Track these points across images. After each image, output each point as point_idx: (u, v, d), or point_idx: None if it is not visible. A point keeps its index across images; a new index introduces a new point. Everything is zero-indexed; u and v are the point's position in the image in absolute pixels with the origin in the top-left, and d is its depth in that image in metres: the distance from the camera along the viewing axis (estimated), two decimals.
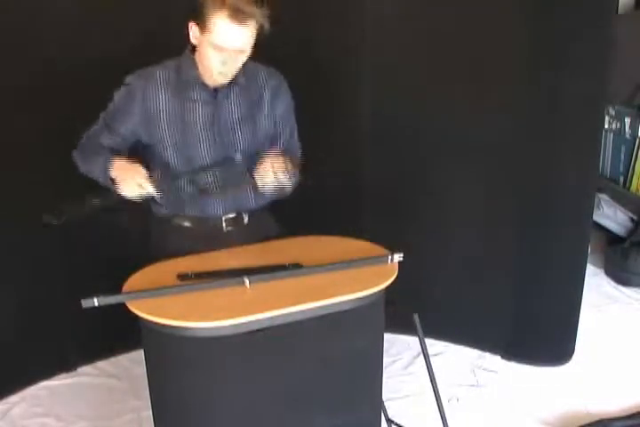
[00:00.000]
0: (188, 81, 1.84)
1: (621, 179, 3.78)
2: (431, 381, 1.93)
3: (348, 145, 2.69)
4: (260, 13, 1.70)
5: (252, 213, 1.99)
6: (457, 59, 2.48)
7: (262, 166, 1.80)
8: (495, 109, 2.50)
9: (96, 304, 1.60)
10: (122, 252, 2.29)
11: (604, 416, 2.39)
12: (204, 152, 1.88)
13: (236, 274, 1.71)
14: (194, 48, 1.82)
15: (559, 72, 2.38)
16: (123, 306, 1.61)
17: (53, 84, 2.34)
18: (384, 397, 2.01)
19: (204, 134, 1.87)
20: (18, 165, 2.37)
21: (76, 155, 1.94)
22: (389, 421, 2.23)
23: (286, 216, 2.05)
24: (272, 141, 1.97)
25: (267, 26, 1.72)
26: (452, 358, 2.81)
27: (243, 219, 1.98)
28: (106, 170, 1.81)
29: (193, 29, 1.76)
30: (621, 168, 3.78)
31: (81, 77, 2.34)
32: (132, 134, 1.89)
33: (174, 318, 1.54)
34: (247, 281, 1.68)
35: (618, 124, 3.73)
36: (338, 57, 2.58)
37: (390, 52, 2.54)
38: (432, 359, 1.93)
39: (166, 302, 1.61)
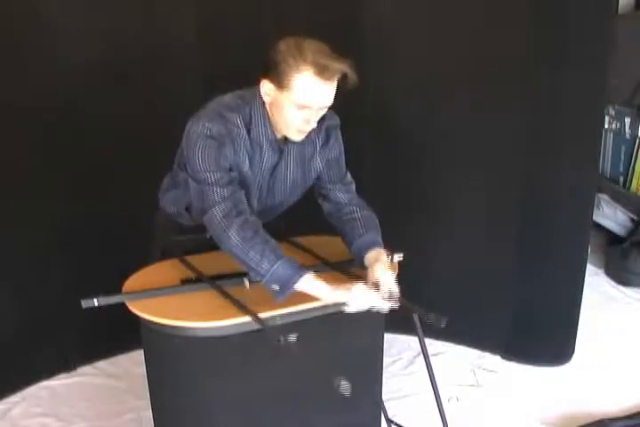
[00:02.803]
0: (260, 139, 1.70)
1: (621, 179, 3.78)
2: (431, 381, 1.92)
3: (348, 146, 2.69)
4: (345, 66, 1.57)
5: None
6: (457, 59, 2.48)
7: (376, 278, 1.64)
8: (495, 109, 2.50)
9: (96, 304, 1.60)
10: (122, 252, 2.30)
11: (604, 416, 2.39)
12: (256, 198, 1.78)
13: (236, 274, 1.71)
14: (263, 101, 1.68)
15: (559, 72, 2.38)
16: (123, 306, 1.61)
17: (54, 84, 2.35)
18: (384, 397, 2.01)
19: (264, 183, 1.78)
20: (18, 165, 2.37)
21: (233, 232, 1.59)
22: (389, 421, 2.23)
23: (286, 216, 2.05)
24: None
25: (352, 76, 1.58)
26: (452, 358, 2.81)
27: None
28: (289, 281, 1.57)
29: (266, 86, 1.62)
30: (621, 168, 3.78)
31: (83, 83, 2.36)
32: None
33: (174, 318, 1.54)
34: (247, 282, 1.68)
35: (618, 124, 3.73)
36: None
37: (390, 53, 2.54)
38: (432, 359, 1.92)
39: (166, 302, 1.62)
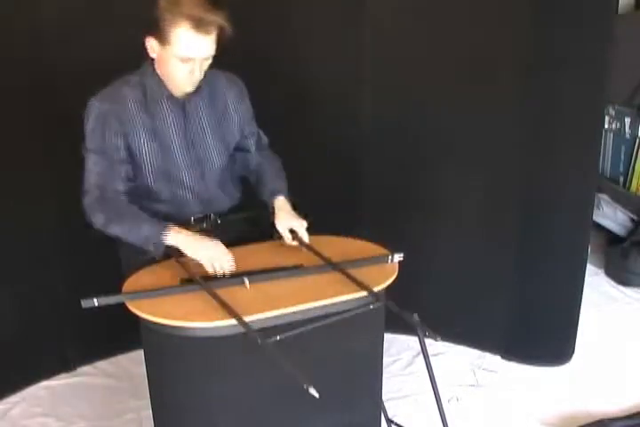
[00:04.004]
0: (158, 96, 1.80)
1: (621, 179, 3.78)
2: (431, 381, 1.92)
3: (348, 146, 2.70)
4: (220, 18, 1.65)
5: (223, 215, 1.99)
6: (457, 58, 2.48)
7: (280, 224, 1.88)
8: (495, 109, 2.50)
9: (96, 304, 1.60)
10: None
11: (604, 416, 2.39)
12: (181, 166, 1.86)
13: (236, 274, 1.71)
14: (152, 61, 1.78)
15: (559, 72, 2.38)
16: (123, 306, 1.61)
17: (53, 85, 2.35)
18: (384, 397, 2.01)
19: (179, 147, 1.85)
20: (18, 165, 2.37)
21: (101, 217, 1.77)
22: (389, 421, 2.23)
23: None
24: (242, 148, 2.01)
25: (228, 28, 1.67)
26: (452, 358, 2.80)
27: (216, 219, 1.98)
28: (158, 237, 1.72)
29: (151, 43, 1.71)
30: (621, 168, 3.78)
31: (81, 78, 2.35)
32: (128, 155, 1.81)
33: (174, 318, 1.54)
34: (247, 281, 1.68)
35: (618, 124, 3.73)
36: (338, 58, 2.59)
37: (390, 53, 2.54)
38: (432, 359, 1.92)
39: (166, 302, 1.61)
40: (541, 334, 2.75)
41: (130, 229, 1.76)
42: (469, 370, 2.73)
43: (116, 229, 1.77)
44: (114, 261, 1.98)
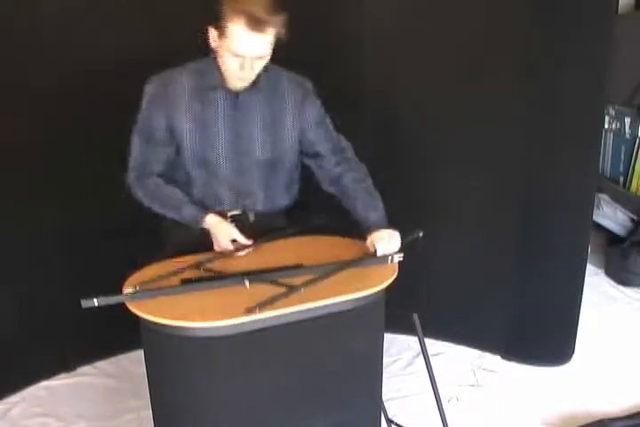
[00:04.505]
0: (212, 85, 1.84)
1: (621, 179, 3.78)
2: (431, 381, 1.92)
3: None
4: (276, 20, 1.69)
5: (259, 213, 1.99)
6: (457, 58, 2.48)
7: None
8: (495, 109, 2.50)
9: (96, 304, 1.60)
10: (122, 252, 2.30)
11: (604, 416, 2.39)
12: (220, 156, 1.88)
13: (236, 274, 1.71)
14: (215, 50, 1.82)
15: (559, 72, 2.38)
16: (123, 306, 1.61)
17: (53, 85, 2.35)
18: (384, 397, 2.01)
19: (222, 138, 1.87)
20: (18, 165, 2.37)
21: (141, 194, 1.92)
22: (389, 421, 2.23)
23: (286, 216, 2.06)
24: (313, 154, 1.98)
25: (284, 33, 1.72)
26: (452, 358, 2.81)
27: (248, 217, 1.98)
28: (196, 223, 1.88)
29: (212, 34, 1.76)
30: (621, 168, 3.78)
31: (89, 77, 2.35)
32: (171, 137, 1.87)
33: (174, 318, 1.54)
34: (247, 282, 1.68)
35: (618, 124, 3.73)
36: (338, 58, 2.59)
37: (390, 52, 2.54)
38: (432, 359, 1.92)
39: (166, 302, 1.61)
40: (541, 334, 2.75)
41: (170, 210, 1.90)
42: (469, 370, 2.73)
43: (156, 207, 1.92)
44: (114, 262, 1.98)
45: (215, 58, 1.82)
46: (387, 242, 1.82)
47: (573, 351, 2.81)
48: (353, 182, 1.97)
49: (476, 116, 2.52)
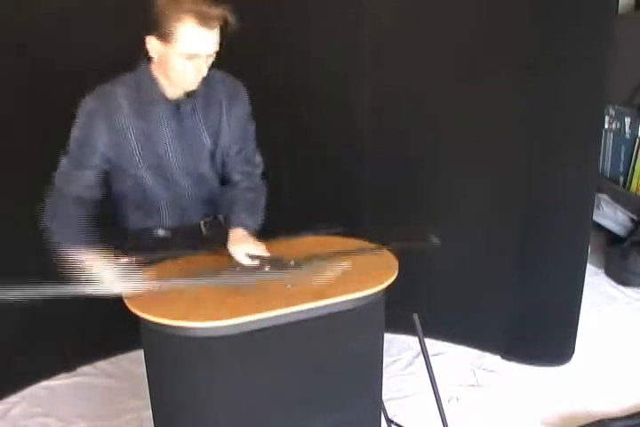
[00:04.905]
0: (150, 98, 1.78)
1: (621, 179, 3.78)
2: (431, 381, 1.93)
3: (347, 146, 2.70)
4: (223, 13, 1.64)
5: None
6: (456, 58, 2.48)
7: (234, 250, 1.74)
8: (495, 108, 2.50)
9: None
10: (122, 252, 2.30)
11: (604, 416, 2.39)
12: (176, 167, 1.85)
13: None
14: (149, 61, 1.76)
15: (559, 71, 2.38)
16: (123, 306, 1.61)
17: (54, 85, 2.35)
18: (384, 397, 2.01)
19: (174, 149, 1.83)
20: (18, 165, 2.37)
21: (49, 224, 1.78)
22: (389, 421, 2.23)
23: (286, 216, 2.05)
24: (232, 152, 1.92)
25: (232, 21, 1.65)
26: (452, 358, 2.81)
27: (220, 222, 1.97)
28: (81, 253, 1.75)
29: (152, 43, 1.69)
30: (621, 168, 3.78)
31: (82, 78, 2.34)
32: (105, 162, 1.81)
33: (174, 318, 1.54)
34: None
35: (618, 124, 3.73)
36: (338, 58, 2.59)
37: (390, 51, 2.54)
38: (432, 359, 1.92)
39: (166, 302, 1.61)
40: (541, 334, 2.75)
41: (69, 240, 1.75)
42: (469, 370, 2.73)
43: (55, 236, 1.75)
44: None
45: (149, 67, 1.77)
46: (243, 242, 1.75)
47: (573, 351, 2.81)
48: (244, 192, 1.91)
49: (475, 115, 2.52)
